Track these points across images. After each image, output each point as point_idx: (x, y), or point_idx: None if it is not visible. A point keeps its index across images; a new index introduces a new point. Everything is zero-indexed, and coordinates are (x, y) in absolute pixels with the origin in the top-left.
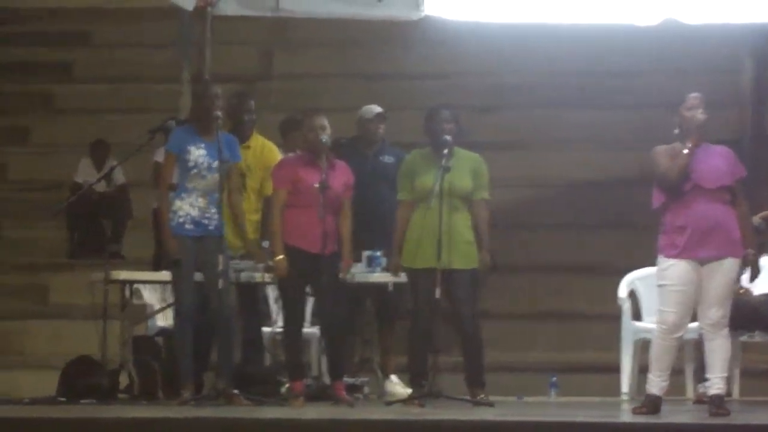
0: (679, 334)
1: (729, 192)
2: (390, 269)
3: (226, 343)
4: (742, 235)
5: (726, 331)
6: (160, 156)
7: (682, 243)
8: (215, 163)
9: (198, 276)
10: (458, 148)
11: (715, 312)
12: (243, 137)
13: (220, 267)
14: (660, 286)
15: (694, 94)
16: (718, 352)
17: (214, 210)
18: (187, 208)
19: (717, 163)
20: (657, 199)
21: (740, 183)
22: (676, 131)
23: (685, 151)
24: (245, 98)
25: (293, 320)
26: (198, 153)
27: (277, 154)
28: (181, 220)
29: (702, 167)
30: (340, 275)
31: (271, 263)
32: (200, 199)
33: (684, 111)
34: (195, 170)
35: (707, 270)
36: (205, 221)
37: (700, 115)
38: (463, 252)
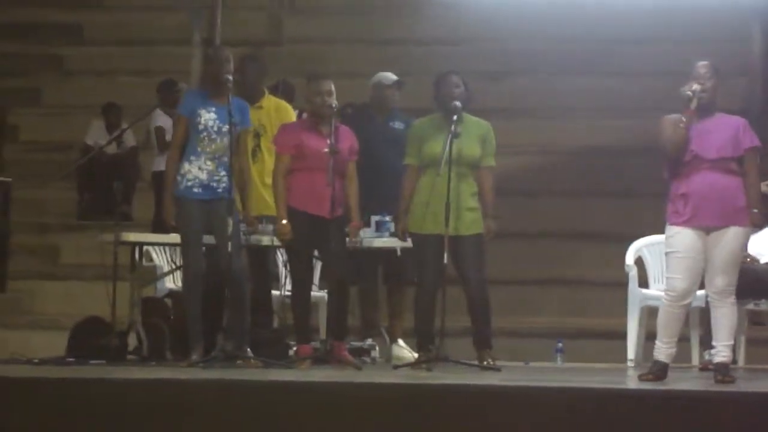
0: (687, 302)
1: (734, 162)
2: (396, 233)
3: (237, 306)
4: (748, 201)
5: (732, 299)
6: (159, 121)
7: (685, 211)
8: (225, 127)
9: (209, 239)
10: (467, 114)
11: (721, 280)
12: (256, 98)
13: (230, 230)
14: (667, 253)
15: (700, 63)
16: (724, 320)
17: (223, 173)
18: (196, 171)
19: (722, 133)
20: (665, 167)
21: (751, 152)
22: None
23: (681, 125)
24: (263, 63)
25: (301, 284)
26: (208, 116)
27: (291, 113)
28: (189, 183)
29: (704, 138)
30: (351, 238)
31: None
32: (209, 163)
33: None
34: (204, 133)
35: (712, 238)
36: (214, 184)
37: (687, 90)
38: (469, 218)
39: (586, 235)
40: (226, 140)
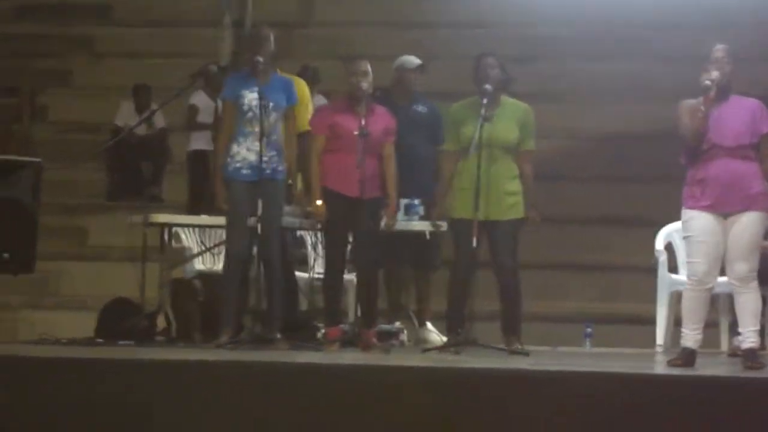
0: (709, 285)
1: (752, 148)
2: (432, 218)
3: (270, 288)
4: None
5: (755, 284)
6: (195, 99)
7: (702, 196)
8: (270, 105)
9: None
10: (506, 98)
11: (741, 266)
12: None
13: (259, 212)
14: (685, 237)
15: (717, 47)
16: (748, 305)
17: (272, 153)
18: (245, 152)
19: (739, 119)
20: (683, 154)
21: (767, 137)
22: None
23: (699, 114)
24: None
25: (333, 266)
26: (251, 96)
27: (304, 86)
28: (238, 165)
29: (721, 125)
30: (387, 221)
31: (309, 208)
32: (257, 143)
33: (705, 68)
34: (250, 113)
35: (730, 224)
36: (263, 165)
37: (706, 79)
38: (505, 203)
39: (616, 220)
40: (272, 118)
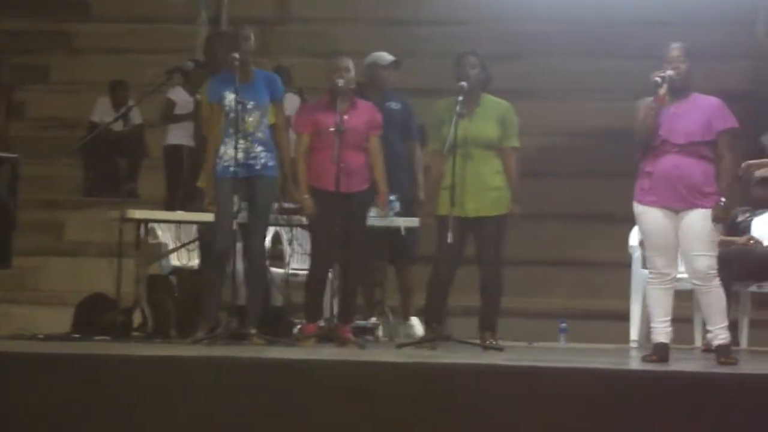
0: (671, 277)
1: (705, 146)
2: (420, 216)
3: (252, 284)
4: (719, 186)
5: (716, 281)
6: (173, 95)
7: (649, 190)
8: (251, 104)
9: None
10: (487, 95)
11: (700, 263)
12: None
13: (235, 208)
14: (641, 231)
15: (672, 46)
16: (714, 304)
17: (260, 149)
18: (232, 152)
19: (694, 117)
20: (639, 150)
21: (725, 135)
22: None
23: (651, 112)
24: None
25: (319, 261)
26: (232, 96)
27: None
28: (226, 164)
29: (674, 122)
30: (378, 211)
31: (294, 205)
32: (242, 141)
33: (661, 66)
34: (232, 114)
35: (680, 220)
36: (251, 162)
37: (657, 76)
38: (489, 198)
39: (593, 216)
40: (255, 115)
